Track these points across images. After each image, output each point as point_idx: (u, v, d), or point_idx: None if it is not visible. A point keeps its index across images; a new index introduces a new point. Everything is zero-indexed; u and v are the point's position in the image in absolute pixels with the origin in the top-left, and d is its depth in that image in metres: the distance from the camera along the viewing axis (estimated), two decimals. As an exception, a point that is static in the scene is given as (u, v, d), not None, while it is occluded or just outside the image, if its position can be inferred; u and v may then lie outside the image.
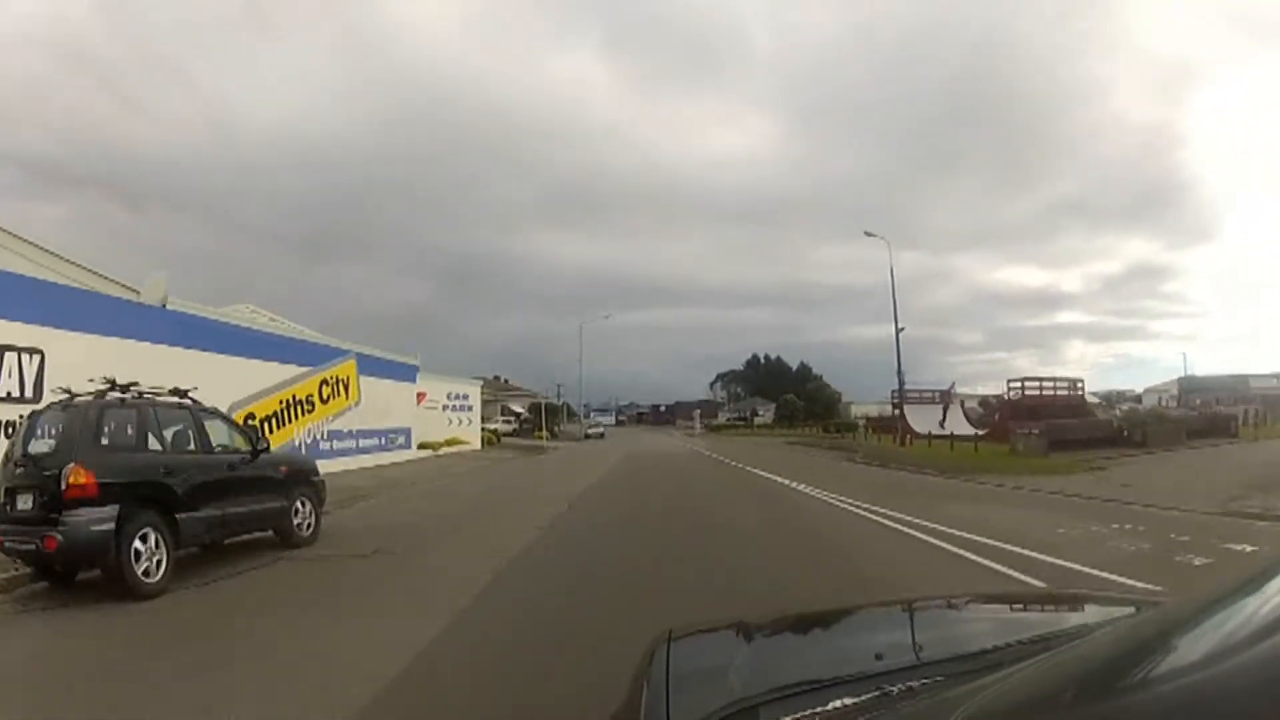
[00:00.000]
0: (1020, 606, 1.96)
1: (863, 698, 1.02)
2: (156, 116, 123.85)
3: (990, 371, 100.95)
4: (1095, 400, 57.80)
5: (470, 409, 31.08)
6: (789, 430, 68.07)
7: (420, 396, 26.78)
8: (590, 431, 59.96)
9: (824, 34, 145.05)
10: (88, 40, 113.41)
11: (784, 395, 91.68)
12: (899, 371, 34.25)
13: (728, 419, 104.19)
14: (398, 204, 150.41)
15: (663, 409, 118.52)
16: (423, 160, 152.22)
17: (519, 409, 55.26)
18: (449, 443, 28.68)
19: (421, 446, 25.30)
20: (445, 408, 29.82)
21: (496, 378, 65.68)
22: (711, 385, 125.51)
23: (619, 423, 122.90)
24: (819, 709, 1.00)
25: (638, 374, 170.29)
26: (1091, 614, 1.52)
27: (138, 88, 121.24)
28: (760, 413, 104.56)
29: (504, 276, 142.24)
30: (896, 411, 40.71)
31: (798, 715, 0.99)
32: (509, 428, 48.19)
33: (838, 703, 1.01)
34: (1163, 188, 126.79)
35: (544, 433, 47.74)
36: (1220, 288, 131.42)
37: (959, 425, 36.31)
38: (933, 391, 44.22)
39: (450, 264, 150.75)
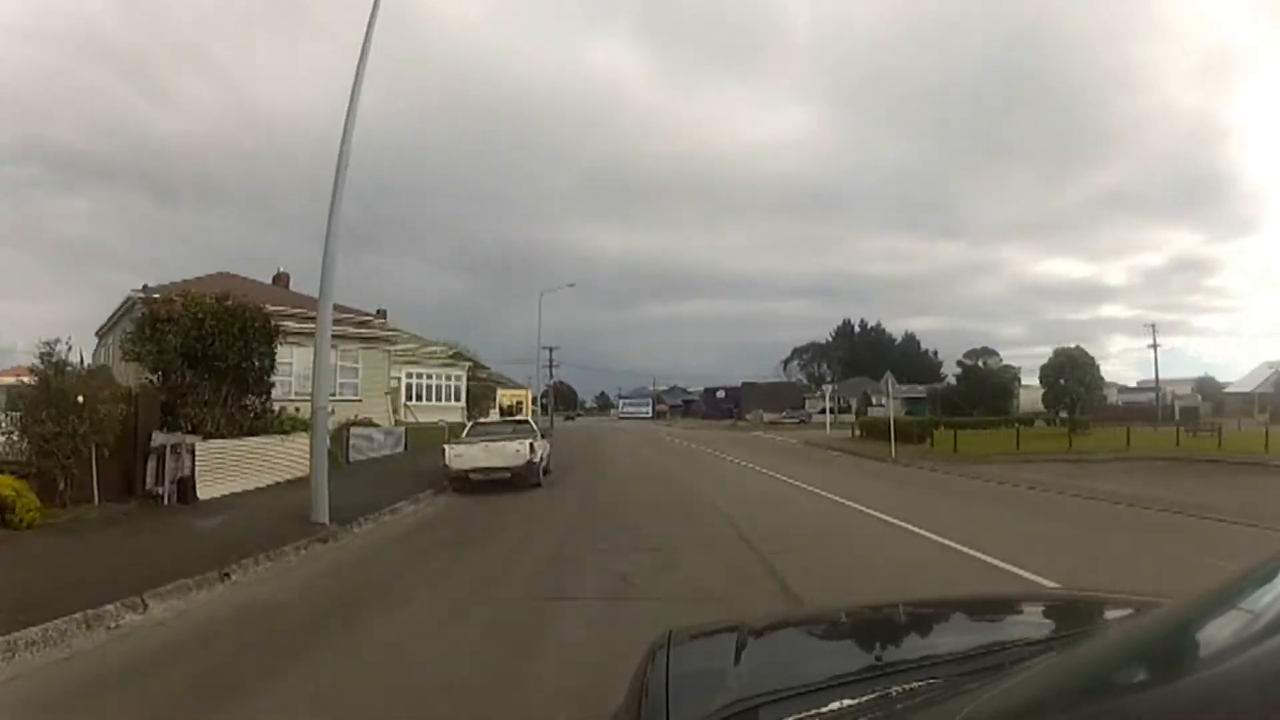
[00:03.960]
0: (1020, 608, 1.89)
1: (863, 699, 1.00)
2: (183, 106, 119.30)
3: (1037, 367, 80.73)
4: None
5: None
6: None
7: None
8: (457, 462, 14.23)
9: (865, 19, 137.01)
10: (111, 30, 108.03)
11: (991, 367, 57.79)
12: None
13: (823, 410, 67.84)
14: (433, 194, 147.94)
15: (721, 394, 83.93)
16: (457, 150, 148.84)
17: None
18: None
19: None
20: None
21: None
22: (785, 363, 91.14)
23: (657, 414, 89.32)
24: (819, 710, 0.98)
25: (679, 366, 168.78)
26: (1091, 615, 1.49)
27: (164, 78, 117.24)
28: (876, 400, 67.95)
29: (542, 267, 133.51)
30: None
31: (797, 716, 0.97)
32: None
33: (837, 704, 0.99)
34: (1207, 179, 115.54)
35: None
36: (1262, 282, 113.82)
37: None
38: None
39: (487, 255, 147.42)
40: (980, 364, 67.88)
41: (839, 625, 1.67)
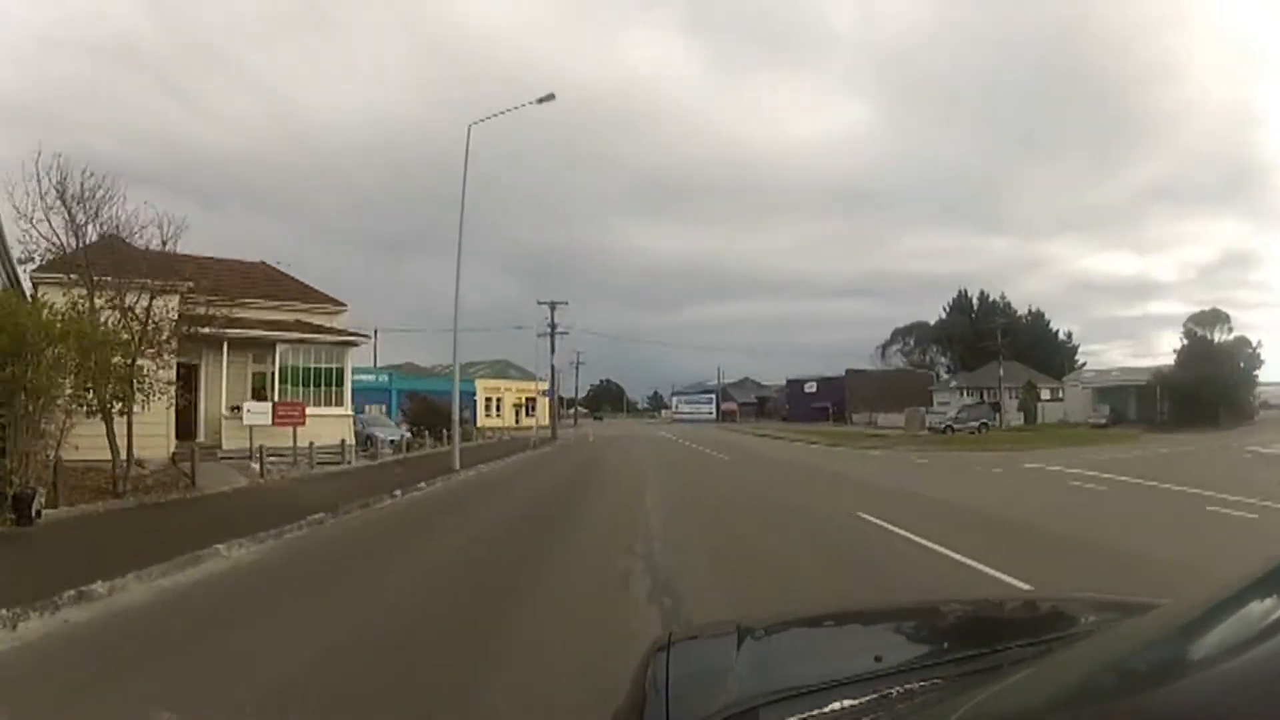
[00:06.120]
0: (1020, 609, 1.88)
1: (862, 700, 0.99)
2: (221, 115, 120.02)
3: (1090, 365, 75.38)
4: None
5: None
6: None
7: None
8: None
9: (910, 14, 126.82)
10: (145, 40, 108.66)
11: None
12: None
13: (972, 409, 49.96)
14: (476, 199, 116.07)
15: (812, 388, 66.15)
16: (501, 153, 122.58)
17: None
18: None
19: None
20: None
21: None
22: (884, 349, 72.98)
23: (724, 415, 72.20)
24: (819, 711, 0.97)
25: (730, 368, 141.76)
26: (1091, 616, 1.45)
27: (200, 86, 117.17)
28: (1050, 393, 50.69)
29: (587, 270, 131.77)
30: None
31: (798, 717, 0.96)
32: None
33: (837, 705, 0.98)
34: (1253, 167, 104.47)
35: None
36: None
37: None
38: None
39: (533, 259, 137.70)
40: (1209, 336, 48.90)
41: (839, 626, 1.64)
